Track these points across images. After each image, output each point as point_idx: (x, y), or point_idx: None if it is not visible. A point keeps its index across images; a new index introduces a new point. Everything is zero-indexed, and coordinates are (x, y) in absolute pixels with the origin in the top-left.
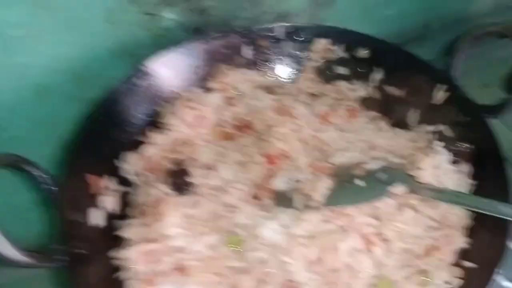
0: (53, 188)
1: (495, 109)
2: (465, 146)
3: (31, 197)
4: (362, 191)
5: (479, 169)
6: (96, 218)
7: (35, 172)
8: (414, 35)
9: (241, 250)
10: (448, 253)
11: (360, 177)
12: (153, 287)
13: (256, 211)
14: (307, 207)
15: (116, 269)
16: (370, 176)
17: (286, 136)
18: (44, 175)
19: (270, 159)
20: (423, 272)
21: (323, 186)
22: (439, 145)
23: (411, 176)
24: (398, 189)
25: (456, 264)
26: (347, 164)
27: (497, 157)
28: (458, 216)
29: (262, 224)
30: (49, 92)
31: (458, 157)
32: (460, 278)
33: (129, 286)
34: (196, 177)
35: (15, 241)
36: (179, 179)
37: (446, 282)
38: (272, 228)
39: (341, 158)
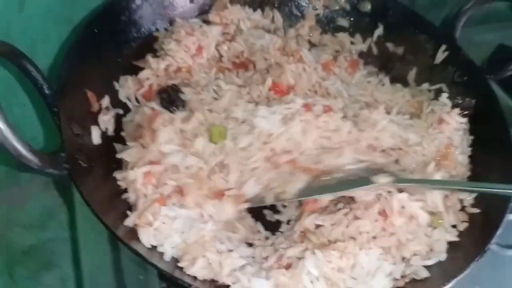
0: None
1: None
2: (467, 100)
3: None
4: (341, 181)
5: (478, 125)
6: (94, 135)
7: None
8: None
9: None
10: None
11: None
12: (165, 206)
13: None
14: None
15: (124, 191)
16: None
17: (296, 75)
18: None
19: (279, 87)
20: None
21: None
22: (444, 97)
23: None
24: (383, 179)
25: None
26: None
27: (497, 114)
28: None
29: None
30: None
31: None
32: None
33: (138, 206)
34: (189, 94)
35: (28, 142)
36: (171, 96)
37: (453, 226)
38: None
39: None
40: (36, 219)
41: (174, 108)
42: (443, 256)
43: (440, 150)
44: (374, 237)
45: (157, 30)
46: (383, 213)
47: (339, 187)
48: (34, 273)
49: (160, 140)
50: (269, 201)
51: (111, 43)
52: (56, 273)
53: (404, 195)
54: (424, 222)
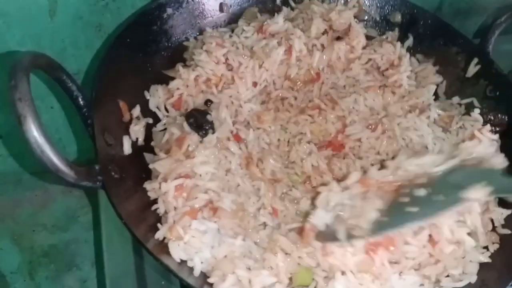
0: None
1: None
2: (499, 116)
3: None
4: (426, 204)
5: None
6: (126, 145)
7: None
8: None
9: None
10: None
11: (423, 185)
12: (195, 220)
13: None
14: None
15: (153, 202)
16: (437, 181)
17: None
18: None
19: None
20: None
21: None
22: (476, 112)
23: (495, 171)
24: (478, 193)
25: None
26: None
27: None
28: None
29: None
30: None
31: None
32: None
33: (168, 218)
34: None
35: (64, 154)
36: (198, 121)
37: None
38: None
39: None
40: (59, 221)
41: (203, 132)
42: (473, 278)
43: None
44: (419, 264)
45: (187, 39)
46: (430, 239)
47: (424, 213)
48: (54, 274)
49: (195, 161)
50: (341, 236)
51: (142, 53)
52: (77, 275)
53: (451, 220)
54: (471, 247)
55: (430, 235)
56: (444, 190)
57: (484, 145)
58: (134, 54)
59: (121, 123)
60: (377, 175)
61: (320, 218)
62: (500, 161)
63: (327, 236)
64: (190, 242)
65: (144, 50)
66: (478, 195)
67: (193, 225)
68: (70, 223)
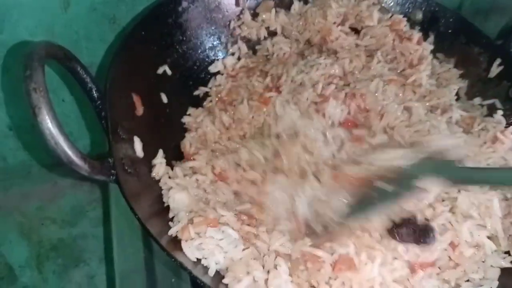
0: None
1: None
2: None
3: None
4: (387, 195)
5: None
6: (138, 146)
7: (83, 74)
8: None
9: None
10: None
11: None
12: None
13: None
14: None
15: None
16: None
17: None
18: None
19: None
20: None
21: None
22: (499, 114)
23: (451, 162)
24: (431, 182)
25: None
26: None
27: None
28: None
29: None
30: None
31: None
32: None
33: (181, 216)
34: None
35: (78, 148)
36: None
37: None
38: None
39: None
40: (67, 215)
41: None
42: (495, 284)
43: None
44: (439, 267)
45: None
46: (450, 243)
47: (385, 203)
48: (62, 269)
49: None
50: (318, 230)
51: (156, 46)
52: (84, 270)
53: (471, 223)
54: (491, 251)
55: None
56: (403, 181)
57: (507, 147)
58: (148, 47)
59: (135, 117)
60: (349, 170)
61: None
62: (459, 153)
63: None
64: (202, 245)
65: (159, 43)
66: (431, 185)
67: (208, 232)
68: (79, 218)
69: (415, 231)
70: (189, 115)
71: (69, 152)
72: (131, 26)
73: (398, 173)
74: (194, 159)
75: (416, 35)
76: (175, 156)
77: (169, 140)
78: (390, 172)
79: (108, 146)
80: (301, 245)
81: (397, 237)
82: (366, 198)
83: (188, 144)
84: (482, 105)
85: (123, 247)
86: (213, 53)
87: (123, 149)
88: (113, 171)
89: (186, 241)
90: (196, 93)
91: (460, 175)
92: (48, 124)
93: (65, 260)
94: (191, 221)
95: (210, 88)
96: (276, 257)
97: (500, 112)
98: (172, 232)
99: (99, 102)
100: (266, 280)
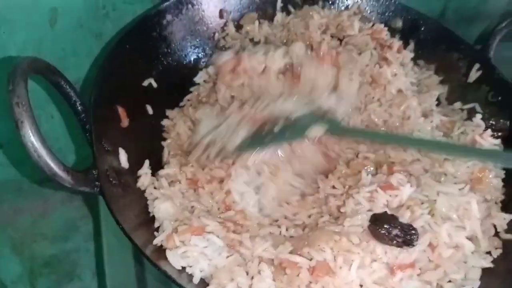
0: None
1: None
2: (501, 121)
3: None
4: (277, 135)
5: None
6: (123, 157)
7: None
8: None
9: None
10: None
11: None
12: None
13: None
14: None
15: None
16: (289, 120)
17: None
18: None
19: None
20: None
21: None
22: (478, 118)
23: (333, 119)
24: (315, 131)
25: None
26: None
27: None
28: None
29: None
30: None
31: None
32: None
33: (165, 225)
34: None
35: (61, 160)
36: None
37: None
38: None
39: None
40: (59, 230)
41: None
42: (476, 284)
43: (474, 173)
44: (420, 269)
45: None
46: (429, 244)
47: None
48: (55, 285)
49: None
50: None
51: (141, 59)
52: (78, 285)
53: (449, 224)
54: (470, 252)
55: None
56: (292, 127)
57: None
58: (133, 60)
59: (120, 128)
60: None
61: None
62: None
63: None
64: (187, 253)
65: (144, 56)
66: (314, 133)
67: (192, 240)
68: (71, 233)
69: (404, 232)
70: (167, 117)
71: (52, 164)
72: (116, 39)
73: (290, 120)
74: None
75: (397, 43)
76: (161, 166)
77: (155, 151)
78: (284, 118)
79: (93, 158)
80: (281, 251)
81: (385, 238)
82: (259, 135)
83: (166, 152)
84: (462, 110)
85: (114, 260)
86: (198, 64)
87: (108, 160)
88: (97, 182)
89: (171, 249)
90: (181, 104)
91: (340, 130)
92: (31, 137)
93: (58, 275)
94: (175, 230)
95: (191, 92)
96: (260, 263)
97: (479, 116)
98: (157, 241)
99: (83, 115)
100: (250, 286)
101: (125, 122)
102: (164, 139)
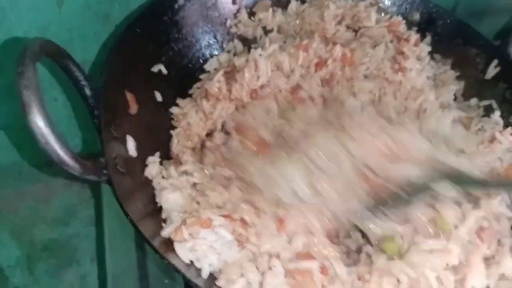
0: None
1: None
2: None
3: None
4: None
5: None
6: (131, 145)
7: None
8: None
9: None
10: None
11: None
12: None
13: None
14: None
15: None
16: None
17: None
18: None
19: None
20: None
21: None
22: (497, 115)
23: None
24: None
25: None
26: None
27: None
28: None
29: None
30: None
31: None
32: None
33: (174, 217)
34: None
35: (69, 147)
36: None
37: None
38: None
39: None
40: (60, 215)
41: None
42: None
43: (494, 169)
44: None
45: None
46: None
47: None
48: (54, 269)
49: None
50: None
51: (152, 44)
52: (77, 270)
53: None
54: None
55: None
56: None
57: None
58: (143, 44)
59: (128, 115)
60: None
61: None
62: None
63: None
64: (195, 247)
65: (154, 41)
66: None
67: (201, 233)
68: (71, 218)
69: None
70: (177, 105)
71: (60, 152)
72: (126, 23)
73: (414, 186)
74: (180, 162)
75: (414, 36)
76: (169, 155)
77: (163, 139)
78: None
79: (101, 145)
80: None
81: None
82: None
83: (176, 141)
84: (478, 106)
85: (115, 247)
86: (208, 51)
87: (116, 148)
88: (105, 171)
89: (179, 242)
90: (191, 91)
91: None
92: (39, 122)
93: (57, 260)
94: (184, 222)
95: (201, 79)
96: (270, 258)
97: (497, 113)
98: (165, 233)
99: (91, 100)
100: (260, 282)
101: (133, 108)
102: (173, 128)
